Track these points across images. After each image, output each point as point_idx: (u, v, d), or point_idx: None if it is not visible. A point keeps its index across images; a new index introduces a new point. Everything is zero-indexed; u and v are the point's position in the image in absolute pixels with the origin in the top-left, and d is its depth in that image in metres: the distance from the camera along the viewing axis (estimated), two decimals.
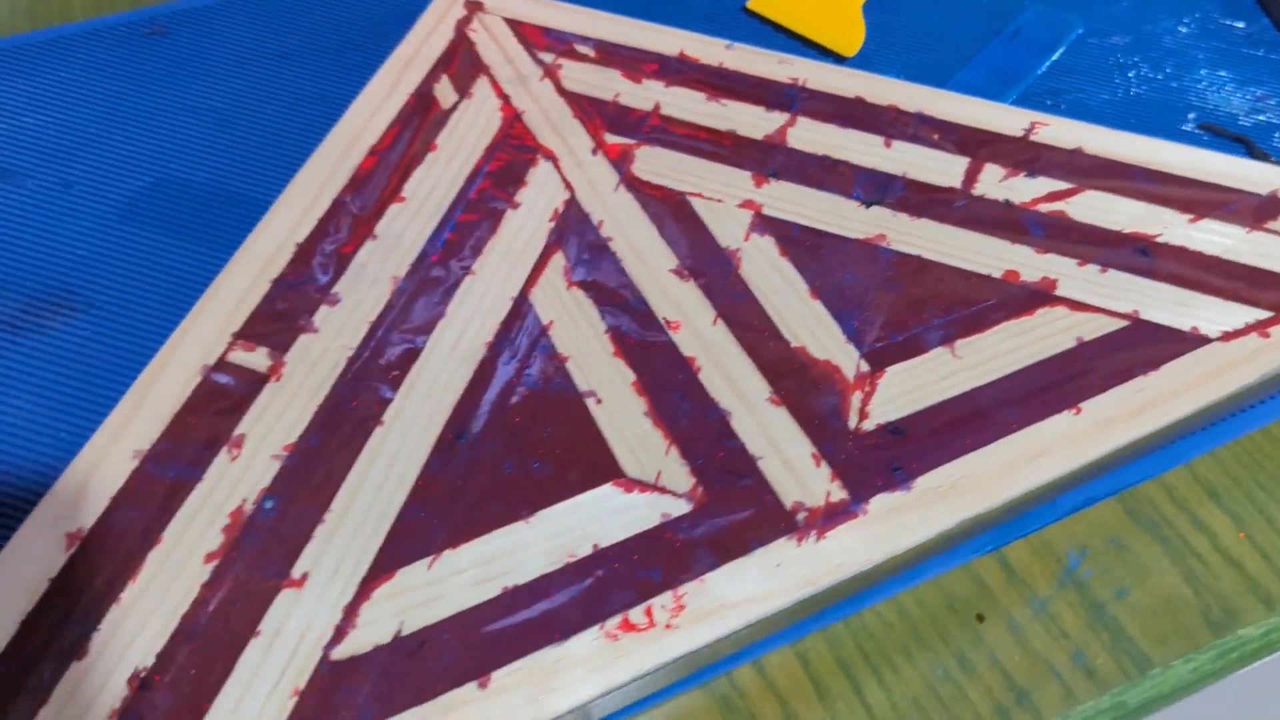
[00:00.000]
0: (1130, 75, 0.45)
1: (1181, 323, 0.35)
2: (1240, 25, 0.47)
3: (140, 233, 0.37)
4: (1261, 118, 0.44)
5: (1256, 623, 0.31)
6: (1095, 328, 0.35)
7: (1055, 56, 0.46)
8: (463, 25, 0.43)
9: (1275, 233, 0.37)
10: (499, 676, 0.27)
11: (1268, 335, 0.34)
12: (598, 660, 0.27)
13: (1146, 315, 0.35)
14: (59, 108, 0.41)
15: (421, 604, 0.28)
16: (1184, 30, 0.47)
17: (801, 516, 0.30)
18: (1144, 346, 0.34)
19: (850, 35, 0.45)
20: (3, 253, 0.36)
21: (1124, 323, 0.35)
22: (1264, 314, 0.35)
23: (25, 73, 0.42)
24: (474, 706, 0.26)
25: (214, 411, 0.31)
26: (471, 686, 0.27)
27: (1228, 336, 0.34)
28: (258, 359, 0.33)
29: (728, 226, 0.37)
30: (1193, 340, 0.34)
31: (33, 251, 0.36)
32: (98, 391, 0.33)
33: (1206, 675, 0.31)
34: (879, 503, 0.30)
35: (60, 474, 0.30)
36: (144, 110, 0.41)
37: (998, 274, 0.36)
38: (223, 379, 0.32)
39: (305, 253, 0.35)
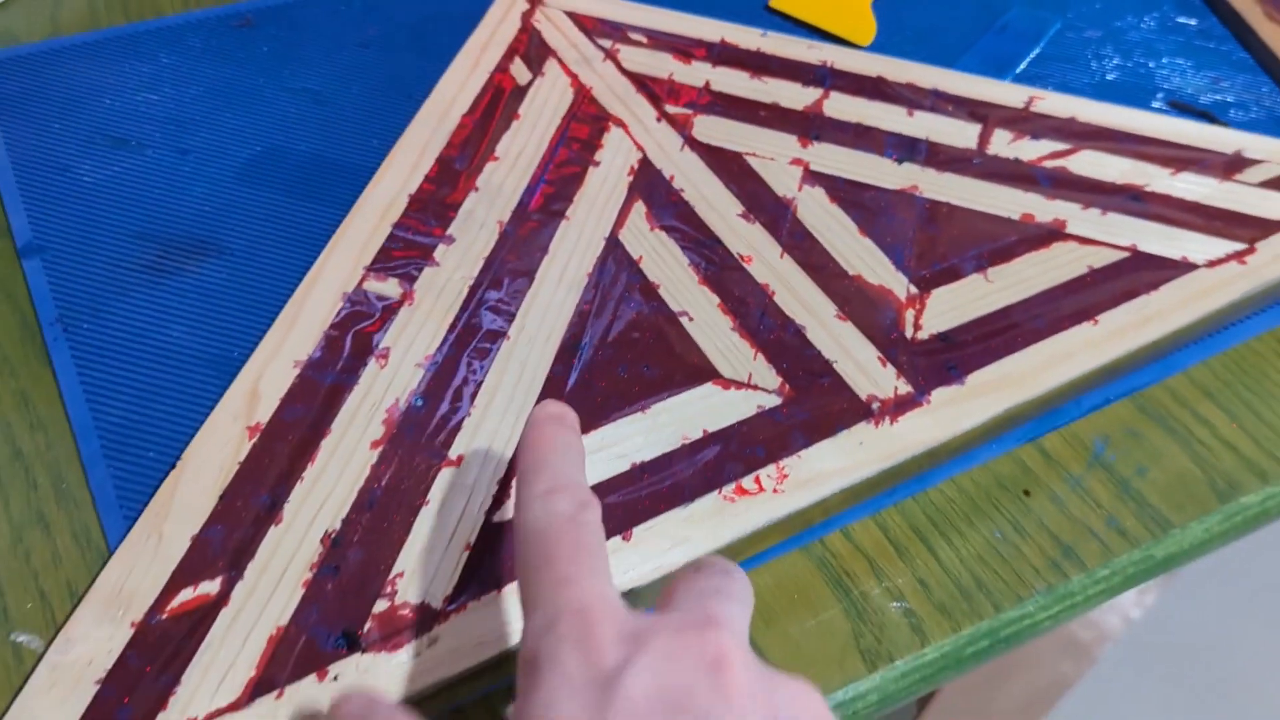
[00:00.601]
0: (1104, 63, 0.52)
1: (1173, 253, 0.41)
2: (1193, 22, 0.55)
3: (256, 193, 0.41)
4: (1218, 97, 0.50)
5: (1255, 491, 0.37)
6: (1102, 258, 0.40)
7: (1039, 48, 0.52)
8: (527, 17, 0.48)
9: (1243, 183, 0.44)
10: (639, 531, 0.31)
11: (1245, 263, 0.40)
12: (719, 518, 0.32)
13: (1144, 248, 0.41)
14: (169, 87, 0.45)
15: None
16: (1145, 27, 0.54)
17: (876, 405, 0.35)
18: (1144, 272, 0.40)
19: (864, 28, 0.51)
20: (133, 207, 0.40)
21: (1125, 254, 0.41)
22: (1240, 246, 0.41)
23: (131, 58, 0.46)
24: (620, 555, 0.31)
25: (358, 329, 0.35)
26: (617, 540, 0.31)
27: (1213, 264, 0.40)
28: (390, 287, 0.37)
29: (782, 179, 0.42)
30: (1184, 267, 0.40)
31: (161, 207, 0.40)
32: (242, 320, 0.37)
33: (1217, 535, 0.36)
34: (939, 394, 0.35)
35: (219, 389, 0.34)
36: (246, 91, 0.45)
37: (1016, 216, 0.42)
38: (362, 303, 0.36)
39: (417, 202, 0.40)
